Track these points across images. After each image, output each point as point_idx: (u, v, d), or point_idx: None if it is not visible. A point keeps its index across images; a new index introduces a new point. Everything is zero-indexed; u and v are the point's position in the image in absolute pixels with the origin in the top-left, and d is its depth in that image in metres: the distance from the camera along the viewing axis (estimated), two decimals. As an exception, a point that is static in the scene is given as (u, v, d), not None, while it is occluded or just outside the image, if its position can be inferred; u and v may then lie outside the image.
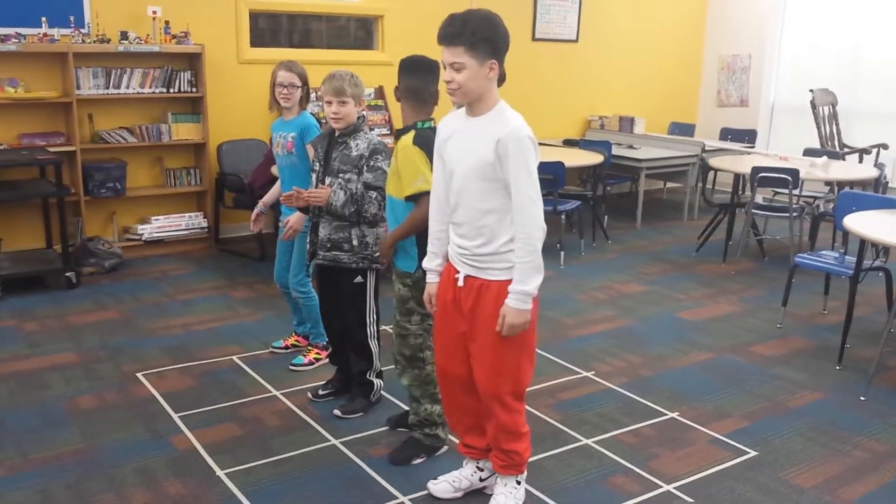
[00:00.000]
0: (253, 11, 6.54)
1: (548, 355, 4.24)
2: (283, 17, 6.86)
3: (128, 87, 5.90)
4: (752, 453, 3.28)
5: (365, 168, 3.29)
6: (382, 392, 3.63)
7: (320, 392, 3.69)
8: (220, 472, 3.04)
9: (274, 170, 4.85)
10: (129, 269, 5.74)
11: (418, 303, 2.95)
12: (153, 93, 5.99)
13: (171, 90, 6.05)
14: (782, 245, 6.44)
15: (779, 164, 5.99)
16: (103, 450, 3.20)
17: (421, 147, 2.87)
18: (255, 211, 4.07)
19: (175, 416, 3.50)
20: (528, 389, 2.73)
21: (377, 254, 3.31)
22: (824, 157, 6.42)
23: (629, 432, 3.44)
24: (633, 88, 8.93)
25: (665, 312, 5.04)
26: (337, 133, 3.36)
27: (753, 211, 6.04)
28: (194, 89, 6.13)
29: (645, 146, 7.88)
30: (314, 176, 3.43)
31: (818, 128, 7.61)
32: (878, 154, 7.53)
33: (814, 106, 7.56)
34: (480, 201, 2.48)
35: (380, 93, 7.04)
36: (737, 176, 6.34)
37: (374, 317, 3.46)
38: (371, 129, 3.45)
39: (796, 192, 5.63)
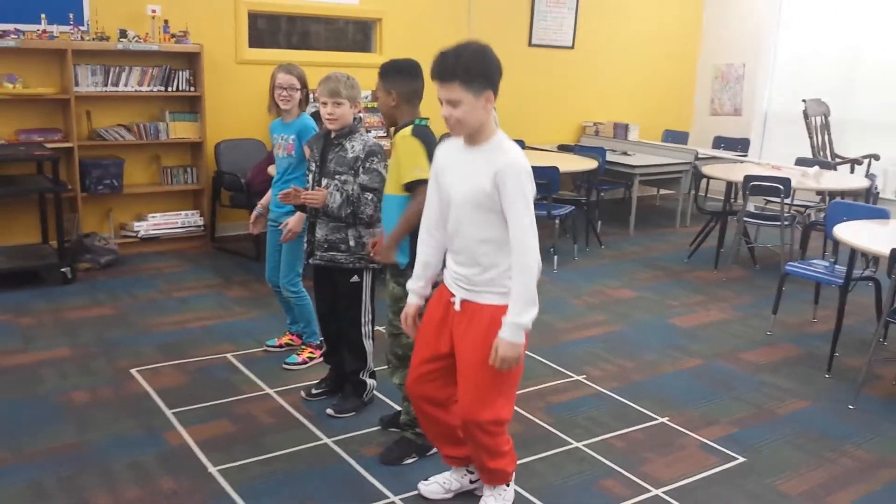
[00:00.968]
0: (252, 12, 6.56)
1: (540, 358, 4.27)
2: (282, 18, 6.88)
3: (126, 85, 5.92)
4: (741, 459, 3.31)
5: (361, 170, 3.32)
6: (375, 392, 3.66)
7: (313, 391, 3.71)
8: (212, 469, 3.06)
9: (271, 169, 4.87)
10: (124, 266, 5.75)
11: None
12: (151, 91, 6.01)
13: (170, 89, 6.07)
14: (773, 253, 6.48)
15: (771, 173, 6.03)
16: (96, 445, 3.22)
17: (421, 140, 2.94)
18: (254, 213, 4.08)
19: (168, 413, 3.52)
20: (518, 392, 2.75)
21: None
22: (816, 167, 6.46)
23: (619, 436, 3.47)
24: (628, 96, 8.98)
25: (656, 318, 5.08)
26: (332, 134, 3.39)
27: (745, 219, 6.08)
28: (192, 88, 6.15)
29: (639, 153, 7.94)
30: (310, 176, 3.46)
31: (810, 138, 7.67)
32: (869, 164, 7.60)
33: (806, 116, 7.62)
34: (478, 231, 2.48)
35: (377, 95, 7.05)
36: (729, 184, 6.38)
37: (370, 316, 3.49)
38: (368, 132, 3.48)
39: (788, 200, 5.68)
